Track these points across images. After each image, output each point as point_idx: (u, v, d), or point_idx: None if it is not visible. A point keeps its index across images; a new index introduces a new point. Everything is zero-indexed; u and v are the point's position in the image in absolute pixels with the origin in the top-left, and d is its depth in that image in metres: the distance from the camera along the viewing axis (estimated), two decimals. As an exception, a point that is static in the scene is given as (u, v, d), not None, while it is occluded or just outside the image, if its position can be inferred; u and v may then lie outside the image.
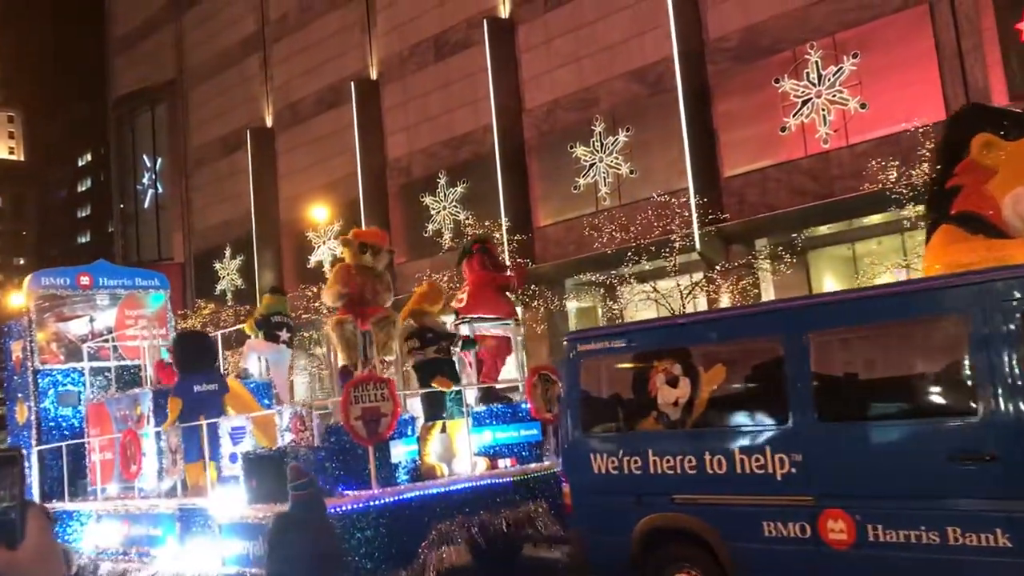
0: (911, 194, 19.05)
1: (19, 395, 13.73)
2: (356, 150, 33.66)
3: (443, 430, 10.28)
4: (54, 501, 12.74)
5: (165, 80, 45.75)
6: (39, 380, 13.39)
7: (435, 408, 10.14)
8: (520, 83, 29.48)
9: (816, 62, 22.62)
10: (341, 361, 10.48)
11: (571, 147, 27.70)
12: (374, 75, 34.44)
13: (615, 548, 7.70)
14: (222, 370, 12.08)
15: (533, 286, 25.25)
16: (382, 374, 10.16)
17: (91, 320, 14.65)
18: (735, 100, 24.22)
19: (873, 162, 20.08)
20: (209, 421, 10.48)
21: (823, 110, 22.55)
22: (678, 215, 23.19)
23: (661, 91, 25.33)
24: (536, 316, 27.02)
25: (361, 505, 8.77)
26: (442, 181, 31.37)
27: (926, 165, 19.24)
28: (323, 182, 35.64)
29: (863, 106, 21.83)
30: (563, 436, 8.44)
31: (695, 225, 23.40)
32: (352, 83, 34.02)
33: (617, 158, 26.67)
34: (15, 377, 13.87)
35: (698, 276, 23.57)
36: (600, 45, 27.16)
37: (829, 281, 23.76)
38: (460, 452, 10.26)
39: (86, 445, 12.79)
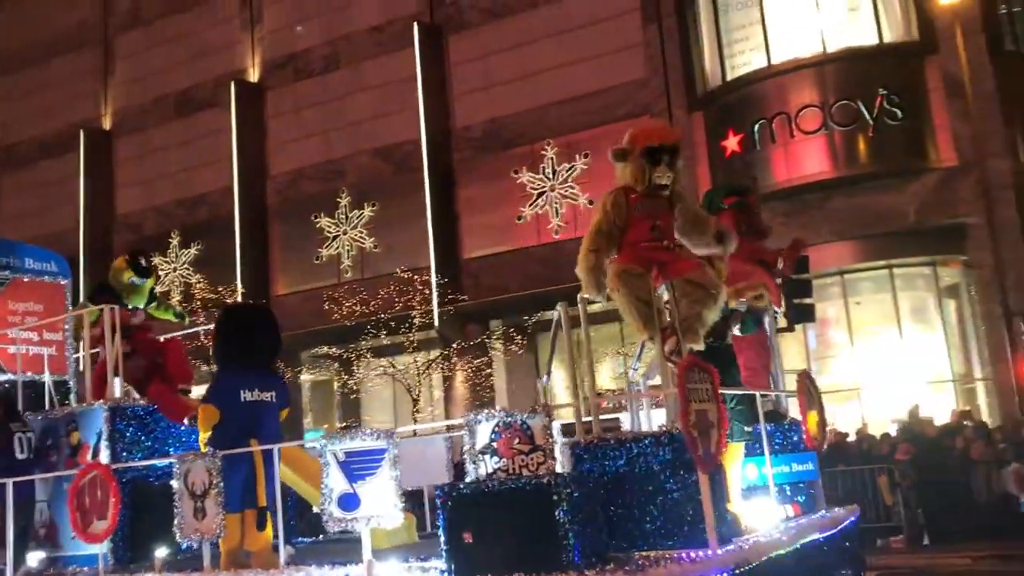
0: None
1: None
2: (80, 202, 31.55)
3: None
4: None
5: None
6: None
7: None
8: (266, 148, 29.10)
9: (552, 158, 24.27)
10: (635, 331, 6.60)
11: (315, 217, 27.59)
12: (107, 125, 32.62)
13: None
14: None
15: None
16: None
17: None
18: (477, 186, 25.35)
19: (599, 255, 21.67)
20: (264, 447, 6.87)
21: (556, 203, 24.15)
22: (419, 292, 23.70)
23: (407, 170, 25.97)
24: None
25: None
26: (175, 241, 30.05)
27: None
28: (42, 233, 32.74)
29: (591, 202, 23.59)
30: None
31: (435, 303, 24.00)
32: (82, 131, 32.01)
33: (361, 232, 26.89)
34: None
35: (435, 353, 24.10)
36: (349, 120, 27.50)
37: (555, 364, 25.07)
38: (733, 491, 6.63)
39: None
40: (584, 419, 6.48)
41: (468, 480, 5.77)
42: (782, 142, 20.61)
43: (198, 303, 26.53)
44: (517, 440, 5.74)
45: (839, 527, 7.30)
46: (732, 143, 21.32)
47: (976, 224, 19.60)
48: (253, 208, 28.58)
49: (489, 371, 23.92)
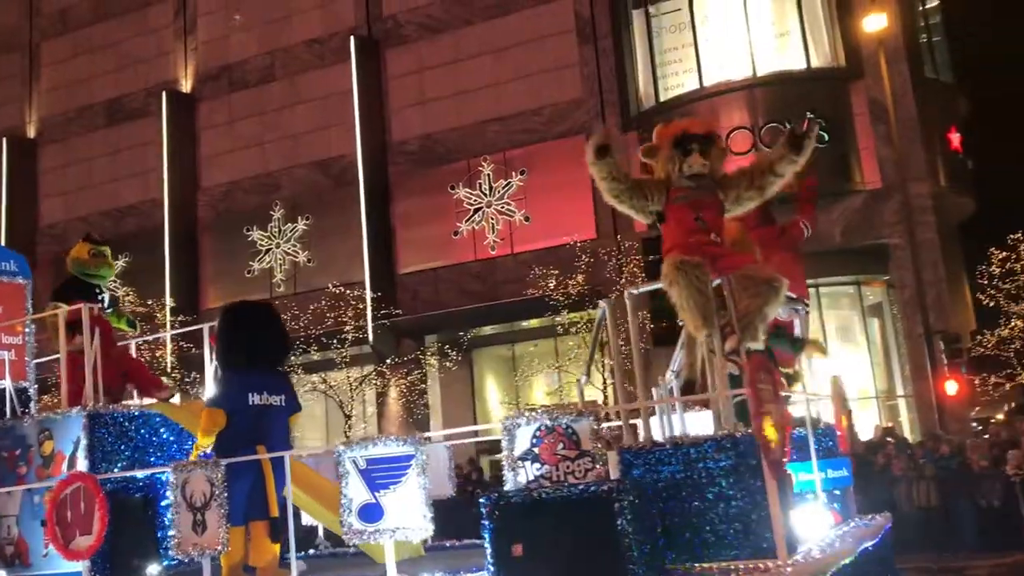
0: (566, 301, 20.87)
1: None
2: (3, 213, 30.61)
3: None
4: None
5: None
6: None
7: None
8: (198, 159, 28.62)
9: (488, 174, 24.34)
10: (691, 328, 6.06)
11: (248, 230, 27.20)
12: (32, 133, 31.74)
13: None
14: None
15: (194, 372, 24.01)
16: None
17: None
18: (413, 201, 25.28)
19: (534, 270, 21.79)
20: (273, 455, 6.31)
21: (492, 219, 24.21)
22: (353, 307, 23.50)
23: (343, 184, 25.79)
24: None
25: None
26: (102, 253, 29.31)
27: (580, 276, 21.26)
28: (-42, 243, 31.84)
29: (527, 219, 23.74)
30: None
31: (369, 318, 23.81)
32: (4, 139, 31.07)
33: (295, 245, 26.60)
34: None
35: (369, 369, 23.90)
36: (284, 132, 27.23)
37: (490, 379, 25.11)
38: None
39: None
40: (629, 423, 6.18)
41: (509, 488, 5.28)
42: (714, 162, 20.97)
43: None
44: (562, 445, 5.26)
45: (881, 534, 7.07)
46: (665, 163, 21.61)
47: (898, 245, 20.23)
48: (183, 220, 28.05)
49: (423, 387, 23.82)
